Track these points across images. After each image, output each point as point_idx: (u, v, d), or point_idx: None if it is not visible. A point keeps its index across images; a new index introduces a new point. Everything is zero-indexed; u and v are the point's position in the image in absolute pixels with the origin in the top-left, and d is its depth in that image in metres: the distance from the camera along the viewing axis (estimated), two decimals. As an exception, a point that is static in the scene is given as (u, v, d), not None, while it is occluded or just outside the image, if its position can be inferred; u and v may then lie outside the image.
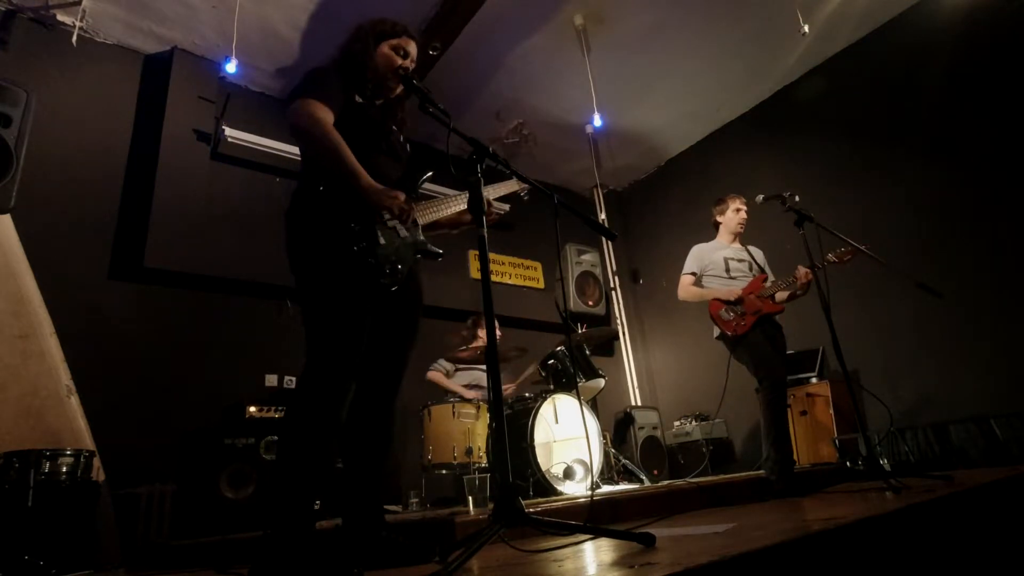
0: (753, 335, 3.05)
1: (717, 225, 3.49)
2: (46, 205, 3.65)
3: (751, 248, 3.43)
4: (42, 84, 3.65)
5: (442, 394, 4.22)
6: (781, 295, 3.14)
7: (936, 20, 4.43)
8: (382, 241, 1.71)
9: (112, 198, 4.02)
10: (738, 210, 3.39)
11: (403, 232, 1.79)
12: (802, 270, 3.04)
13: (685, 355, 6.12)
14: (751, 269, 3.32)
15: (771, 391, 2.96)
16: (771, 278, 3.27)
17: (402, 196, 1.70)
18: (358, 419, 1.78)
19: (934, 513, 1.63)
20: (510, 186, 2.18)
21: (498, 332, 4.57)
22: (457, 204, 2.00)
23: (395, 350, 1.86)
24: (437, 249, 1.90)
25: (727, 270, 3.31)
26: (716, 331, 3.21)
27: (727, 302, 3.16)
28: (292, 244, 1.73)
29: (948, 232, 4.20)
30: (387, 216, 1.72)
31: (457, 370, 4.38)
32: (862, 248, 2.91)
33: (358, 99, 1.87)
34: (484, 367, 4.21)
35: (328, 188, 1.70)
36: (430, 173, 1.98)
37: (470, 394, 4.16)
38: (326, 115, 1.70)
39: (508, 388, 4.31)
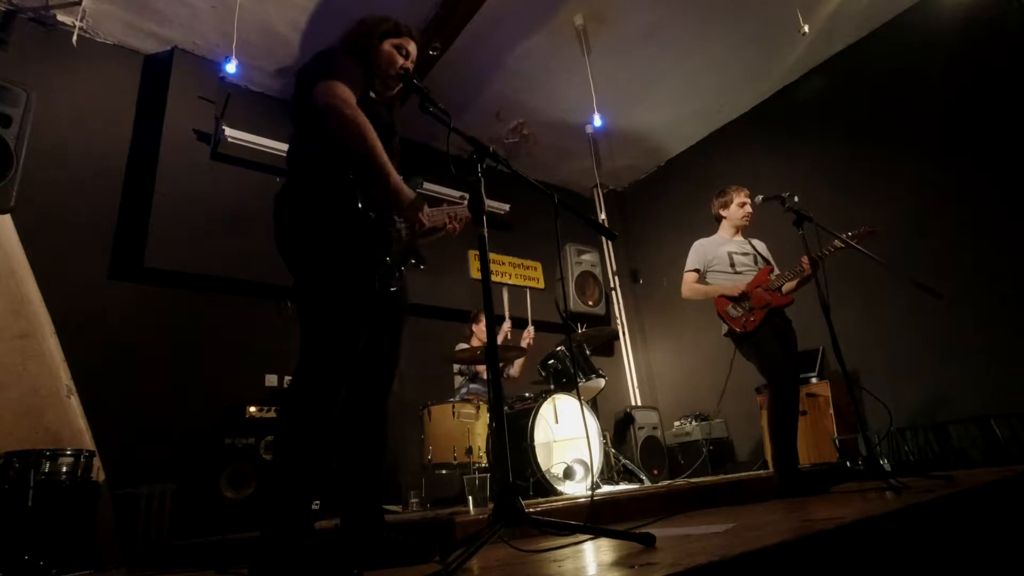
0: (762, 332, 2.95)
1: (719, 219, 3.37)
2: (46, 205, 3.65)
3: (754, 241, 3.33)
4: (42, 84, 3.64)
5: (444, 394, 4.24)
6: (789, 285, 3.05)
7: (936, 20, 4.43)
8: (392, 239, 1.71)
9: (112, 198, 4.02)
10: (743, 204, 3.28)
11: (404, 234, 1.80)
12: (807, 258, 2.93)
13: (685, 355, 6.12)
14: (756, 262, 3.22)
15: (778, 392, 2.90)
16: (776, 270, 3.18)
17: (424, 206, 1.69)
18: (351, 419, 1.77)
19: (934, 513, 1.63)
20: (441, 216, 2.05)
21: (506, 328, 4.65)
22: (447, 212, 2.01)
23: (387, 349, 1.85)
24: (425, 256, 1.91)
25: (732, 265, 3.20)
26: (724, 328, 3.11)
27: (733, 298, 3.06)
28: (293, 236, 1.69)
29: (948, 232, 4.20)
30: (401, 220, 1.71)
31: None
32: (861, 248, 2.89)
33: (371, 94, 1.86)
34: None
35: (358, 177, 1.65)
36: (422, 179, 1.98)
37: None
38: (353, 99, 1.66)
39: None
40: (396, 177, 1.65)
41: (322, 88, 1.64)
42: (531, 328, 4.60)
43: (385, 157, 1.64)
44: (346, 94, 1.64)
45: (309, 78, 1.70)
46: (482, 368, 4.29)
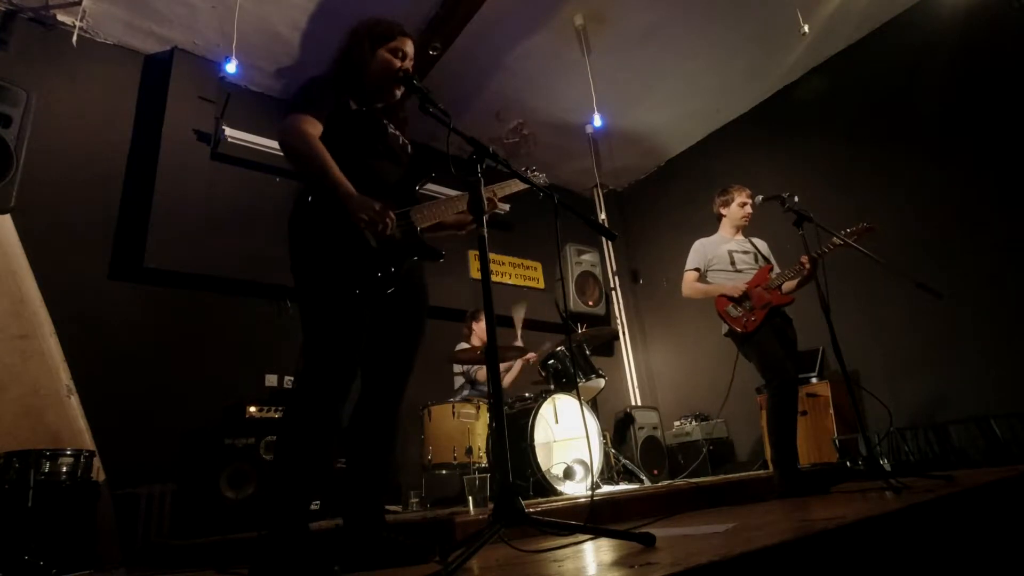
0: (763, 332, 2.94)
1: (720, 217, 3.38)
2: (46, 205, 3.65)
3: (755, 240, 3.33)
4: (42, 84, 3.65)
5: (444, 394, 4.24)
6: (789, 285, 3.05)
7: (936, 20, 4.43)
8: (373, 244, 1.70)
9: (112, 198, 4.02)
10: (743, 204, 3.28)
11: (396, 235, 1.78)
12: (806, 257, 2.93)
13: (685, 355, 6.12)
14: (757, 260, 3.22)
15: (777, 392, 2.89)
16: (777, 269, 3.18)
17: (377, 205, 1.65)
18: (362, 420, 1.80)
19: (934, 513, 1.63)
20: (517, 186, 2.16)
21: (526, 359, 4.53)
22: (459, 204, 1.99)
23: (399, 352, 1.86)
24: (437, 249, 1.89)
25: (732, 263, 3.20)
26: (724, 328, 3.11)
27: (734, 298, 3.06)
28: (291, 248, 1.75)
29: (948, 232, 4.20)
30: (363, 224, 1.68)
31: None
32: (860, 248, 2.89)
33: (353, 105, 1.86)
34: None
35: (316, 198, 1.71)
36: (432, 175, 1.97)
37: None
38: (312, 128, 1.71)
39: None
40: (344, 187, 1.65)
41: (282, 124, 1.73)
42: (532, 355, 4.31)
43: (332, 171, 1.66)
44: (298, 125, 1.71)
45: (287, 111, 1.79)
46: (480, 373, 4.29)
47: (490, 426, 3.60)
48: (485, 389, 4.25)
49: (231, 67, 4.32)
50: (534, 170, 2.28)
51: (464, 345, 4.34)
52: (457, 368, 4.44)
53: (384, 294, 1.72)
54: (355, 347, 1.67)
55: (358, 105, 1.88)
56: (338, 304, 1.66)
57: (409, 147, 2.03)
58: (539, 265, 6.16)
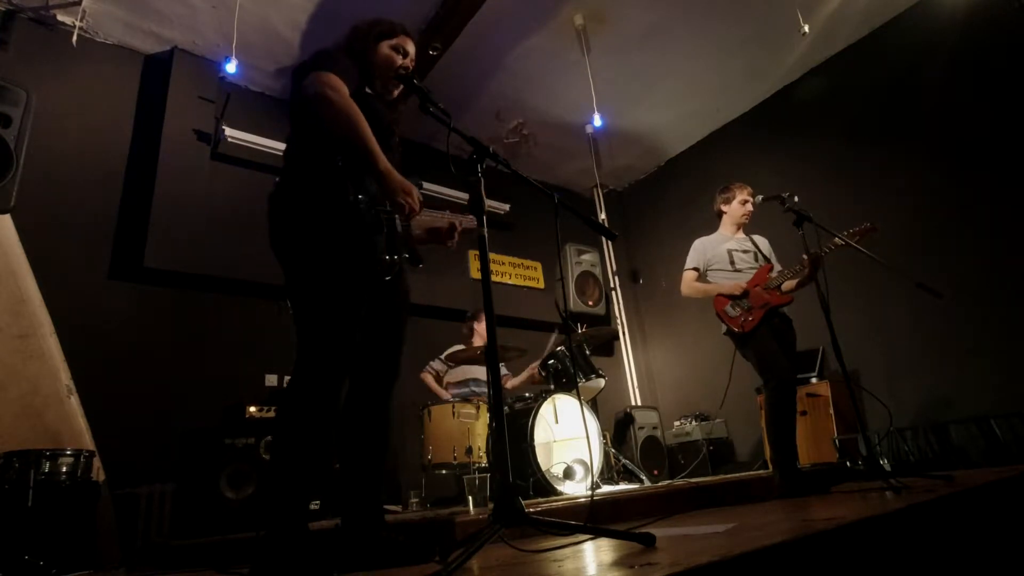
0: (760, 332, 2.94)
1: (720, 214, 3.37)
2: (46, 205, 3.65)
3: (755, 237, 3.31)
4: (42, 84, 3.64)
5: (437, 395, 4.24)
6: (788, 284, 3.04)
7: (936, 20, 4.43)
8: (385, 229, 1.69)
9: (112, 198, 4.02)
10: (744, 202, 3.28)
11: (399, 226, 1.78)
12: (807, 256, 2.93)
13: (685, 355, 6.12)
14: (757, 259, 3.21)
15: (775, 392, 2.89)
16: (777, 268, 3.17)
17: (416, 193, 1.67)
18: (355, 418, 1.77)
19: (934, 513, 1.63)
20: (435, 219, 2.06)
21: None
22: (440, 221, 2.00)
23: (388, 346, 1.85)
24: (421, 255, 1.90)
25: (732, 263, 3.20)
26: (723, 327, 3.11)
27: (732, 297, 3.06)
28: (283, 228, 1.69)
29: (948, 232, 4.20)
30: (395, 208, 1.68)
31: (449, 368, 4.37)
32: (861, 248, 2.89)
33: (368, 90, 1.86)
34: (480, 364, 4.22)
35: (347, 163, 1.64)
36: (421, 184, 1.98)
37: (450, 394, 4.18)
38: (345, 88, 1.66)
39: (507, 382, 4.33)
40: (385, 162, 1.63)
41: (312, 77, 1.65)
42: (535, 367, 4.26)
43: (374, 142, 1.62)
44: (335, 82, 1.64)
45: (303, 73, 1.71)
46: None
47: (490, 426, 3.60)
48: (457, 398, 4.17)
49: (231, 67, 4.32)
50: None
51: (459, 347, 4.31)
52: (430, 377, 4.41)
53: (382, 282, 1.71)
54: (353, 337, 1.63)
55: (371, 91, 1.87)
56: (342, 290, 1.62)
57: (400, 148, 2.03)
58: (539, 265, 6.16)
